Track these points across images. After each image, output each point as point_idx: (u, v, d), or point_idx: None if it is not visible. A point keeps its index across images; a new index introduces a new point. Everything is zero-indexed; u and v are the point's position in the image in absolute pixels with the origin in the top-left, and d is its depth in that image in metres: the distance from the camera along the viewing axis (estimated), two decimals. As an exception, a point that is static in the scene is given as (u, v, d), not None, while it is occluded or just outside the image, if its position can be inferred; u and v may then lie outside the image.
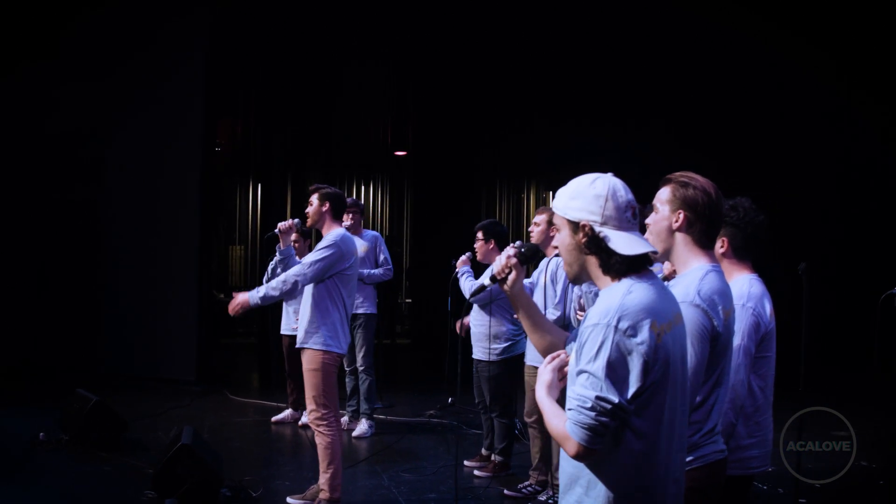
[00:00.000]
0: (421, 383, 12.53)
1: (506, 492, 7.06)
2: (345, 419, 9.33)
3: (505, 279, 3.13)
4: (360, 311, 8.86)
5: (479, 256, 7.55)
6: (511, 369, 7.46)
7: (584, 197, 2.77)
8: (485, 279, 3.30)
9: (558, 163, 16.13)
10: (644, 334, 2.58)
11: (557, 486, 6.44)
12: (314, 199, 6.56)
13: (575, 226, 2.78)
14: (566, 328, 6.35)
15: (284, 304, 9.58)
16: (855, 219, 13.75)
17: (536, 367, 6.73)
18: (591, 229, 2.74)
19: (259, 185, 16.45)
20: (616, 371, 2.57)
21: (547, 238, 6.82)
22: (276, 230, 6.90)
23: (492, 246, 7.44)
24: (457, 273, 7.54)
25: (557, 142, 15.19)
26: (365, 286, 8.84)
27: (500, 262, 3.16)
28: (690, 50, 13.42)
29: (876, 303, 5.65)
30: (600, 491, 2.66)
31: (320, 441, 6.34)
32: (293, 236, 7.83)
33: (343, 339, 6.40)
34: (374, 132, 17.55)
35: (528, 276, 6.44)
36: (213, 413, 10.14)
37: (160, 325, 11.90)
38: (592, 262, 2.78)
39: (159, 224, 11.91)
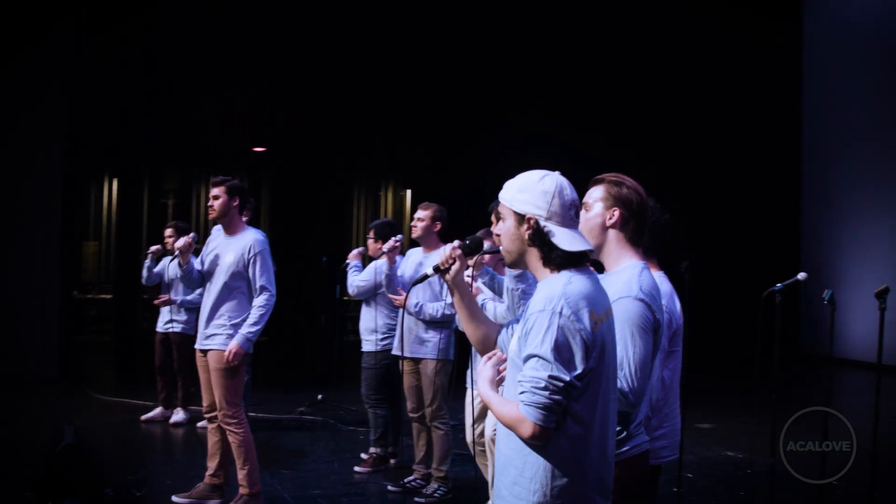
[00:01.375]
0: (286, 380, 12.55)
1: (389, 486, 7.22)
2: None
3: (448, 269, 3.27)
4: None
5: (370, 252, 7.73)
6: (391, 361, 7.67)
7: (532, 191, 2.93)
8: (427, 269, 3.43)
9: (417, 162, 16.43)
10: (585, 321, 2.77)
11: (443, 479, 6.66)
12: (220, 192, 6.42)
13: (521, 218, 2.95)
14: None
15: (154, 303, 9.50)
16: (741, 218, 14.57)
17: (412, 360, 6.95)
18: (537, 223, 2.91)
19: (114, 181, 16.11)
20: (562, 353, 2.73)
21: (430, 234, 7.05)
22: (176, 253, 6.64)
23: (380, 245, 7.62)
24: (346, 265, 7.76)
25: (417, 140, 15.39)
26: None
27: (444, 252, 3.29)
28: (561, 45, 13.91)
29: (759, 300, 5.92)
30: (536, 471, 2.82)
31: (233, 439, 6.36)
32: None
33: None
34: (233, 130, 17.35)
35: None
36: (80, 412, 9.95)
37: (21, 322, 11.56)
38: (534, 254, 2.95)
39: (21, 221, 11.57)
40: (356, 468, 7.78)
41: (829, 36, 16.23)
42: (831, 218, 15.68)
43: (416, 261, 7.20)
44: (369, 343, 7.73)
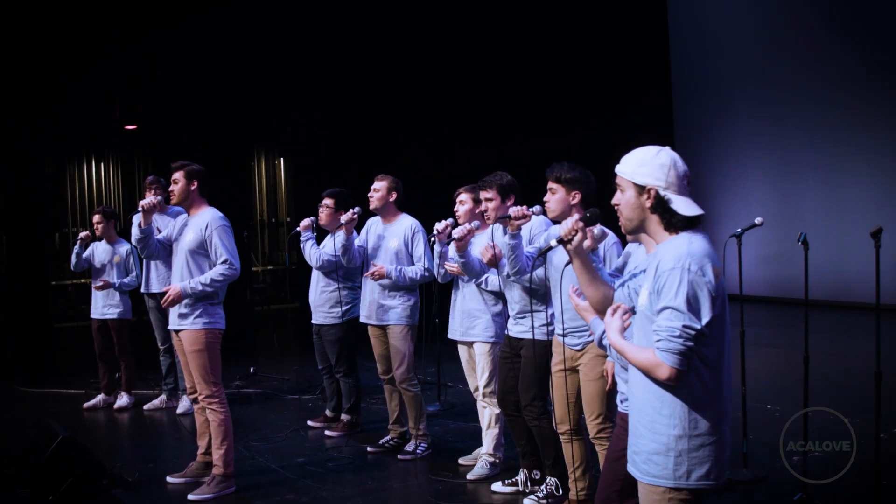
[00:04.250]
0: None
1: (369, 448, 7.51)
2: (162, 397, 9.38)
3: (571, 240, 3.69)
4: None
5: (323, 222, 7.93)
6: (352, 330, 7.96)
7: (651, 165, 3.34)
8: (552, 241, 3.83)
9: (285, 128, 16.41)
10: (709, 274, 3.18)
11: (421, 435, 7.03)
12: (179, 176, 6.55)
13: (641, 189, 3.35)
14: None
15: (93, 288, 9.43)
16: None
17: (379, 327, 7.23)
18: (657, 193, 3.32)
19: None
20: (692, 304, 3.14)
21: (387, 204, 7.30)
22: (140, 208, 6.74)
23: (340, 214, 7.83)
24: (301, 237, 7.90)
25: (281, 109, 15.30)
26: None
27: (566, 226, 3.72)
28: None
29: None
30: (674, 408, 3.25)
31: (213, 418, 6.48)
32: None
33: (222, 314, 6.57)
34: (104, 107, 16.91)
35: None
36: (17, 406, 9.83)
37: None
38: (654, 220, 3.36)
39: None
40: (327, 433, 8.05)
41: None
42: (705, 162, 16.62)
43: (376, 232, 7.41)
44: (331, 316, 7.94)
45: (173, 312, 6.54)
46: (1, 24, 12.40)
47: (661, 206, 3.33)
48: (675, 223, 3.32)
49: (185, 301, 6.43)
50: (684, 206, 3.32)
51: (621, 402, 4.09)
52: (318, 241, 8.07)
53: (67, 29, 13.25)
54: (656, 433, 3.28)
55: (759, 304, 14.70)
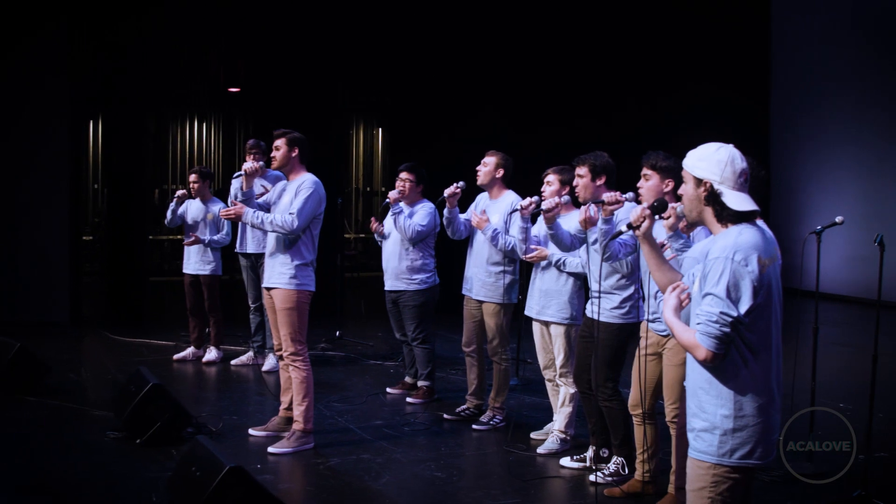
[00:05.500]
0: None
1: (445, 416, 7.67)
2: (249, 354, 9.65)
3: (639, 226, 3.90)
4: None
5: (405, 195, 8.04)
6: (433, 298, 8.14)
7: (709, 160, 3.53)
8: (622, 226, 4.04)
9: (383, 100, 16.54)
10: (753, 265, 3.35)
11: (498, 408, 7.15)
12: (281, 143, 6.77)
13: (698, 181, 3.54)
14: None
15: (185, 244, 9.73)
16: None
17: (476, 301, 7.36)
18: (711, 186, 3.51)
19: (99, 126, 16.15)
20: (731, 292, 3.33)
21: (494, 180, 7.36)
22: (242, 171, 6.98)
23: (420, 188, 8.02)
24: (392, 209, 7.90)
25: (393, 79, 15.44)
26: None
27: (636, 213, 3.93)
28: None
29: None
30: (721, 391, 3.43)
31: (296, 375, 6.69)
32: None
33: (313, 277, 6.76)
34: (206, 68, 17.30)
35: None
36: (110, 354, 10.21)
37: (29, 267, 11.69)
38: (709, 212, 3.55)
39: (28, 168, 11.67)
40: (408, 399, 8.22)
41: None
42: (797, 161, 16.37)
43: (483, 207, 7.44)
44: (413, 283, 8.08)
45: (268, 270, 6.76)
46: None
47: (713, 199, 3.52)
48: (725, 216, 3.51)
49: (278, 261, 6.65)
50: (736, 201, 3.49)
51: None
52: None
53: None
54: (705, 412, 3.48)
55: (842, 304, 14.52)
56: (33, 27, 11.63)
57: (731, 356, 3.38)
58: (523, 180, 7.63)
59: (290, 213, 6.55)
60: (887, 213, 14.55)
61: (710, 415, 3.45)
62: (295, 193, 6.65)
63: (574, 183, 6.17)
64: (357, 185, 19.26)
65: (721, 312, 3.31)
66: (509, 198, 7.29)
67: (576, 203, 6.37)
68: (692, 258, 3.93)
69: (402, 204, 7.99)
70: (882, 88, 15.15)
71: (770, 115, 17.19)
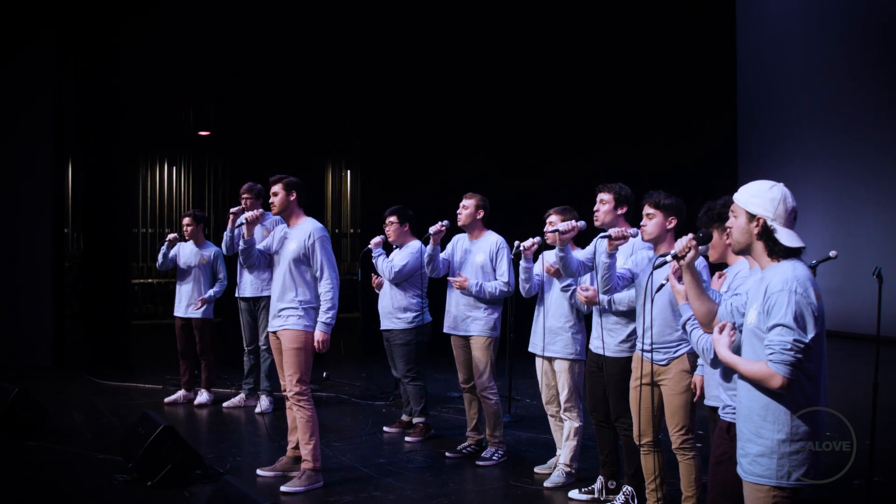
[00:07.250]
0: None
1: (447, 453, 7.80)
2: (241, 396, 9.73)
3: (685, 256, 4.15)
4: (266, 293, 9.17)
5: (391, 238, 8.35)
6: (421, 336, 8.35)
7: (763, 197, 3.75)
8: (667, 256, 4.31)
9: (354, 141, 16.72)
10: (812, 296, 3.58)
11: (497, 442, 7.30)
12: (278, 188, 6.96)
13: (751, 217, 3.75)
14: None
15: (178, 286, 9.82)
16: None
17: (462, 337, 7.54)
18: (765, 222, 3.72)
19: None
20: (799, 322, 3.54)
21: (475, 221, 7.62)
22: (242, 221, 7.20)
23: (406, 228, 8.24)
24: (373, 254, 8.31)
25: (363, 120, 15.59)
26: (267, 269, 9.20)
27: (681, 243, 4.19)
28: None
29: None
30: (778, 415, 3.63)
31: (301, 415, 6.84)
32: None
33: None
34: (176, 112, 17.41)
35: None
36: (100, 398, 10.21)
37: (12, 311, 11.68)
38: (759, 246, 3.76)
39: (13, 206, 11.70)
40: (406, 438, 8.35)
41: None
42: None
43: (463, 247, 7.75)
44: (401, 321, 8.28)
45: (272, 315, 6.96)
46: (82, 24, 12.82)
47: (766, 235, 3.74)
48: (777, 251, 3.73)
49: (285, 304, 6.85)
50: (787, 238, 3.72)
51: (723, 410, 4.38)
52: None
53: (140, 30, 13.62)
54: (761, 437, 3.67)
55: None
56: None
57: None
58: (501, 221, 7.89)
59: (324, 272, 6.81)
60: (856, 246, 14.92)
61: (767, 440, 3.64)
62: (307, 244, 6.79)
63: (595, 209, 6.34)
64: (329, 228, 19.34)
65: (794, 340, 3.51)
66: (491, 237, 7.61)
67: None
68: (730, 292, 4.17)
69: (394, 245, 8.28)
70: (844, 127, 15.67)
71: (737, 155, 17.62)
